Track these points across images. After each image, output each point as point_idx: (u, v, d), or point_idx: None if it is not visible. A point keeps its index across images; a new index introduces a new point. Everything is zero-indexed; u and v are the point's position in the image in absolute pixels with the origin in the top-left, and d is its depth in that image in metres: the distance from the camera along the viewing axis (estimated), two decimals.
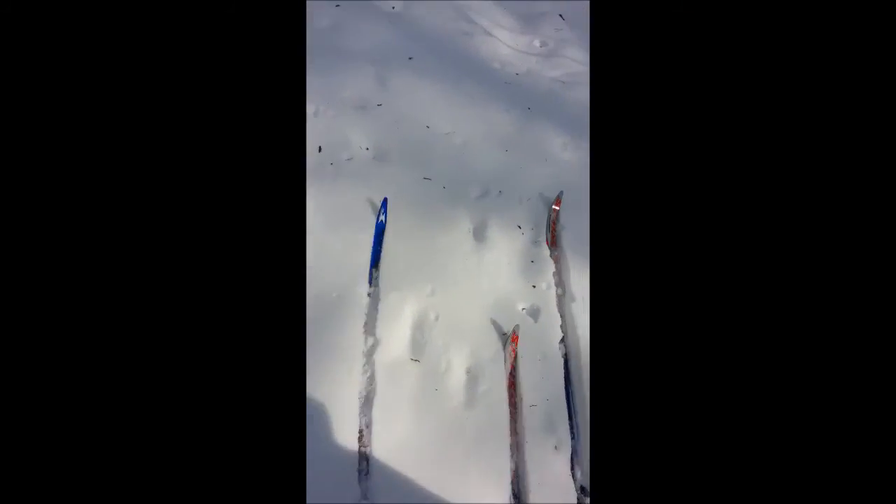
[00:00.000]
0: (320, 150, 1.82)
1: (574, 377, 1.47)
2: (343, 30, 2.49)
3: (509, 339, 1.42)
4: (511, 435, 1.34)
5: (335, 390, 1.31)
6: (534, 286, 1.64)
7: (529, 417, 1.37)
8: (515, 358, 1.45)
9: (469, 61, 2.59)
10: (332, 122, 1.92)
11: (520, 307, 1.59)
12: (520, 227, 1.82)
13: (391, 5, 2.89)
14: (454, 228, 1.73)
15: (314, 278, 1.46)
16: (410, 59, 2.42)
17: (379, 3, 2.84)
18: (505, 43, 2.86)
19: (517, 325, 1.41)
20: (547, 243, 1.79)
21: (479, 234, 1.75)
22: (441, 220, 1.74)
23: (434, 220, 1.73)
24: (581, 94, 2.55)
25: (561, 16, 3.36)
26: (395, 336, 1.43)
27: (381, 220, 1.68)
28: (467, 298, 1.54)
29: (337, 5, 2.70)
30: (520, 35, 3.00)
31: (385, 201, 1.66)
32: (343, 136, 1.89)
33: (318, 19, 2.51)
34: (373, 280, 1.55)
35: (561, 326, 1.58)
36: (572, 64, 2.83)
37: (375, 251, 1.62)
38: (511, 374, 1.45)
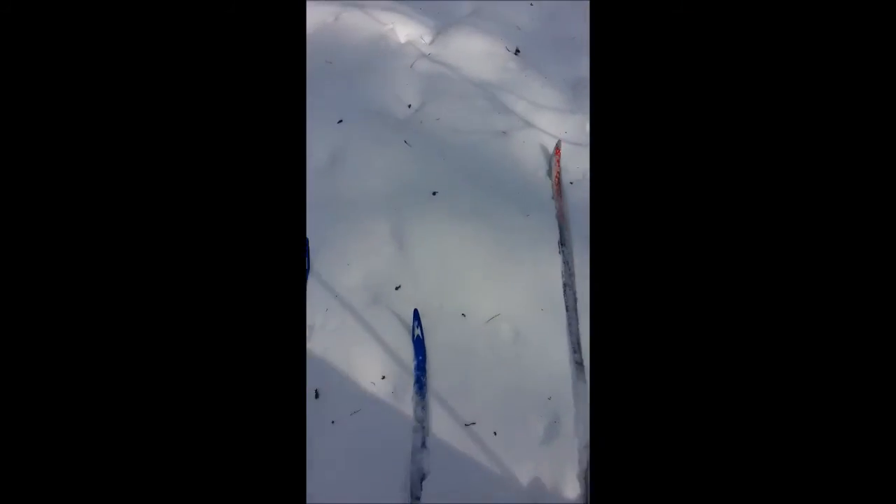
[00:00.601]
0: (317, 395, 1.32)
1: None
2: (346, 162, 1.99)
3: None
4: None
5: None
6: None
7: None
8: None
9: (509, 178, 2.02)
10: (333, 340, 1.41)
11: None
12: None
13: (406, 103, 2.37)
14: None
15: None
16: (434, 194, 1.89)
17: (391, 106, 2.33)
18: (551, 133, 2.27)
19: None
20: None
21: None
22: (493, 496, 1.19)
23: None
24: None
25: None
26: None
27: (418, 335, 1.44)
28: None
29: (340, 121, 2.21)
30: (570, 115, 2.39)
31: (416, 313, 1.46)
32: (349, 366, 1.38)
33: (318, 149, 2.02)
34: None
35: None
36: None
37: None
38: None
